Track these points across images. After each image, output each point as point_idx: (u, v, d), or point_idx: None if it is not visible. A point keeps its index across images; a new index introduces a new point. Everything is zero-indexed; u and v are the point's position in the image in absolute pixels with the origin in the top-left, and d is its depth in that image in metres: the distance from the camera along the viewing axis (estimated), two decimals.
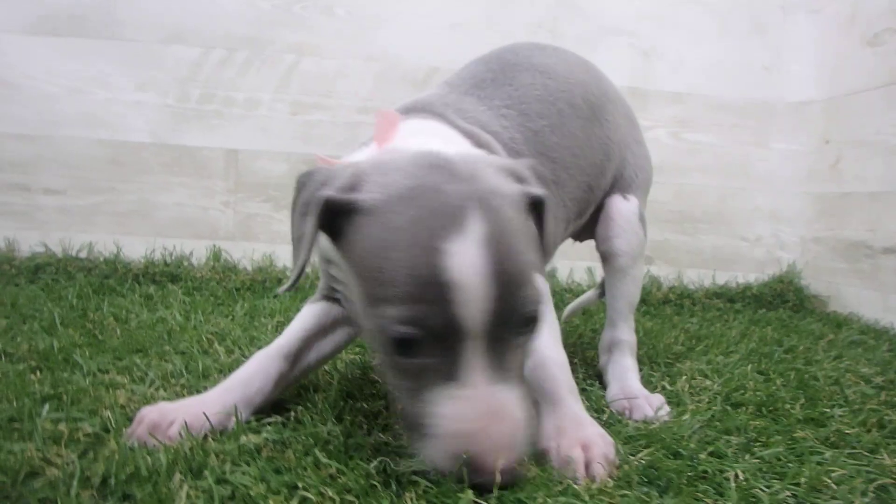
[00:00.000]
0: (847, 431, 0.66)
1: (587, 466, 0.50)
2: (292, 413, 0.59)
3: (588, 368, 0.88)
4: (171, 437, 0.52)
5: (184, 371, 0.70)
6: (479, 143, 0.65)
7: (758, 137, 1.62)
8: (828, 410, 0.73)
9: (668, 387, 0.79)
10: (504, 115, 0.72)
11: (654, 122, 1.55)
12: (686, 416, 0.67)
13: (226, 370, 0.72)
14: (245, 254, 1.40)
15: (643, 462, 0.53)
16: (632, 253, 0.83)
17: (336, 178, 0.50)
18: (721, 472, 0.54)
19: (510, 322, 0.46)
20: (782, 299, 1.54)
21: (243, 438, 0.52)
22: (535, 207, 0.53)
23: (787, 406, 0.73)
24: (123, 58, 1.38)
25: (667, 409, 0.71)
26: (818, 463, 0.57)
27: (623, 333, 0.83)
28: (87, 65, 1.37)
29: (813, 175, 1.59)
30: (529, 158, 0.62)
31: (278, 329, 0.95)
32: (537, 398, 0.56)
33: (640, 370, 0.83)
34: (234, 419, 0.55)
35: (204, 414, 0.54)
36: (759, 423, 0.67)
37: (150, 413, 0.53)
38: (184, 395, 0.63)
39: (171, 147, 1.41)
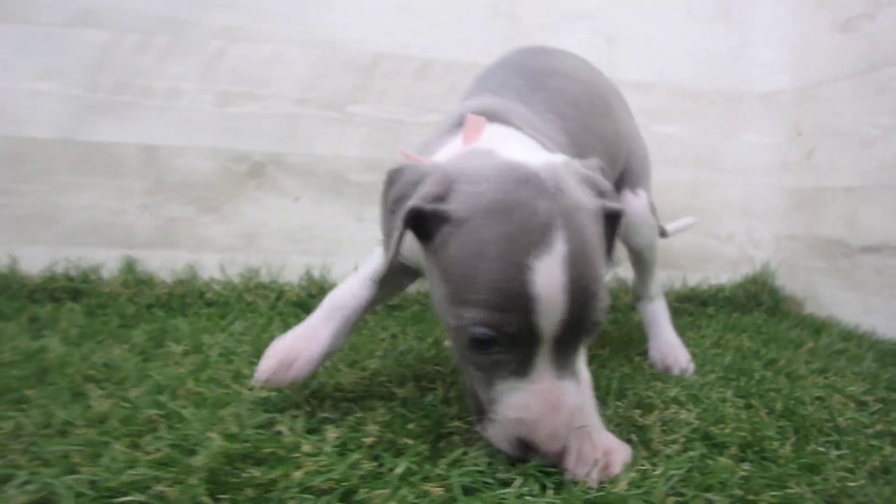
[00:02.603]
0: (850, 483, 0.56)
1: (606, 468, 0.53)
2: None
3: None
4: (299, 367, 0.64)
5: (32, 425, 0.55)
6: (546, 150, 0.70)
7: (727, 128, 1.53)
8: (822, 450, 0.63)
9: (638, 421, 0.67)
10: (549, 121, 0.76)
11: None
12: (658, 469, 0.55)
13: (94, 422, 0.58)
14: (165, 263, 1.24)
15: None
16: (648, 244, 0.97)
17: (425, 182, 0.53)
18: None
19: (579, 328, 0.51)
20: (756, 301, 1.45)
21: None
22: (609, 218, 0.57)
23: (776, 444, 0.63)
24: (23, 42, 1.20)
25: (692, 369, 0.90)
26: None
27: (652, 290, 1.01)
28: None
29: (786, 168, 1.50)
30: (596, 160, 0.65)
31: (186, 357, 0.81)
32: None
33: (606, 401, 0.72)
34: (340, 341, 0.68)
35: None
36: (745, 472, 0.57)
37: (279, 351, 0.64)
38: (23, 458, 0.49)
39: (79, 143, 1.23)
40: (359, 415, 0.64)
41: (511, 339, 0.49)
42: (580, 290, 0.49)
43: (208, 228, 1.29)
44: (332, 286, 1.27)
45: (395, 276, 0.75)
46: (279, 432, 0.58)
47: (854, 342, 1.14)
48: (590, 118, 0.83)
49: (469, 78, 0.89)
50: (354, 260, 1.32)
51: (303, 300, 1.23)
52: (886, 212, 1.24)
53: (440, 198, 0.52)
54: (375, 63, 1.35)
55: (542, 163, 0.55)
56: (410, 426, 0.61)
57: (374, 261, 0.73)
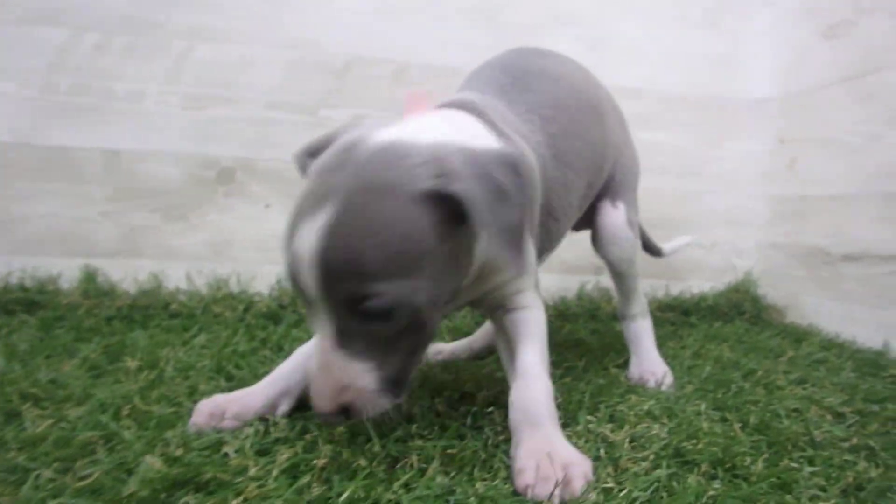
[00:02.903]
0: (821, 503, 0.53)
1: (567, 484, 0.51)
2: None
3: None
4: (225, 426, 0.61)
5: None
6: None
7: (716, 136, 1.51)
8: (795, 466, 0.60)
9: (609, 436, 0.65)
10: (529, 121, 0.76)
11: None
12: (624, 489, 0.52)
13: (26, 445, 0.54)
14: (128, 273, 1.19)
15: None
16: (626, 257, 0.94)
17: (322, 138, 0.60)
18: None
19: (343, 303, 0.51)
20: (738, 311, 1.43)
21: None
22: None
23: (748, 461, 0.60)
24: None
25: (669, 380, 0.87)
26: None
27: (634, 308, 0.98)
28: None
29: (770, 176, 1.49)
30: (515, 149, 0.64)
31: (139, 373, 0.77)
32: (518, 417, 0.59)
33: (577, 417, 0.69)
34: (278, 409, 0.66)
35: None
36: (714, 490, 0.54)
37: (207, 405, 0.62)
38: None
39: (37, 148, 1.19)
40: (315, 433, 0.60)
41: (301, 298, 0.54)
42: (337, 263, 0.50)
43: (174, 237, 1.24)
44: None
45: None
46: (226, 454, 0.55)
47: (834, 351, 1.12)
48: (575, 123, 0.82)
49: (448, 83, 0.87)
50: None
51: (273, 311, 1.19)
52: (869, 220, 1.23)
53: (312, 154, 0.58)
54: (350, 66, 1.31)
55: (386, 139, 0.55)
56: (368, 445, 0.58)
57: None
